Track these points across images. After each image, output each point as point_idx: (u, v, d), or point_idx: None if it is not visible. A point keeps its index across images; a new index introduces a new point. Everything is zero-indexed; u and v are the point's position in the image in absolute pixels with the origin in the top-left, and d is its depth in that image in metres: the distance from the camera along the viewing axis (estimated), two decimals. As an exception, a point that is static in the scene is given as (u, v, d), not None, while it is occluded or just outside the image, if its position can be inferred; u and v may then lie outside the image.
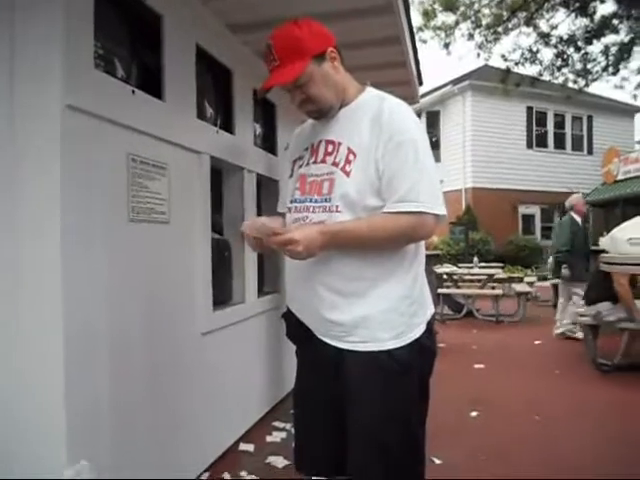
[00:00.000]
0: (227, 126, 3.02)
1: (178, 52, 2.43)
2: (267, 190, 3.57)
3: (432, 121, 17.92)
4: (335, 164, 1.47)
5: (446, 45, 13.56)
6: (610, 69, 13.08)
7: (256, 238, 1.48)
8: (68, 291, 1.71)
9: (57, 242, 1.70)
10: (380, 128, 1.42)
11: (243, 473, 2.65)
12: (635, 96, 14.24)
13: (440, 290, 7.85)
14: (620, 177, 13.56)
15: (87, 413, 1.81)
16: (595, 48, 13.45)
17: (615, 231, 5.10)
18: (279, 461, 2.77)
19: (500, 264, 11.15)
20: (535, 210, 17.66)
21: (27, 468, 1.70)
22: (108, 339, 1.93)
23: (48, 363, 1.70)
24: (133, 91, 2.07)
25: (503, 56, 13.14)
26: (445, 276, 8.74)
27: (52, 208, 1.70)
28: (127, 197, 2.03)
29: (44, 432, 1.71)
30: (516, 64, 13.11)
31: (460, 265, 10.58)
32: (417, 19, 13.05)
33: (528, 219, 17.64)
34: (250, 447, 2.97)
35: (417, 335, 1.48)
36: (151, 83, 2.28)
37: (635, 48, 12.70)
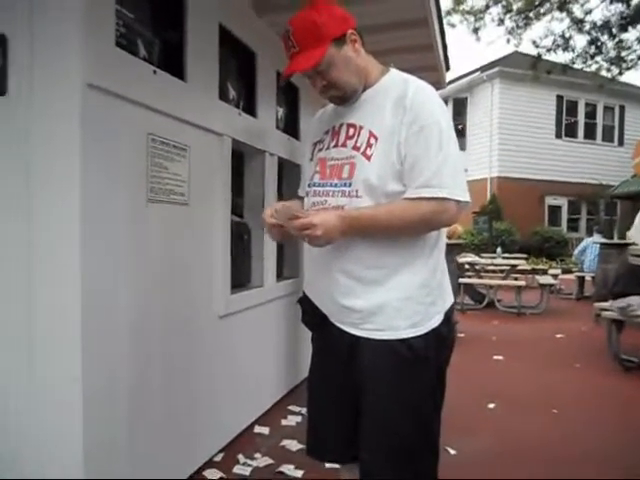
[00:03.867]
0: (249, 109, 3.00)
1: (201, 32, 2.40)
2: (289, 174, 3.55)
3: (459, 108, 17.64)
4: (356, 148, 1.43)
5: (475, 30, 13.31)
6: (646, 58, 12.70)
7: (275, 226, 1.45)
8: (86, 271, 1.72)
9: (76, 222, 1.70)
10: (404, 111, 1.38)
11: (257, 455, 2.67)
12: (671, 86, 13.75)
13: (461, 280, 7.77)
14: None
15: (104, 394, 1.83)
16: (630, 35, 13.10)
17: None
18: (293, 444, 2.78)
19: (524, 255, 11.02)
20: (562, 202, 17.34)
21: (44, 451, 1.73)
22: (126, 321, 1.94)
23: (65, 343, 1.72)
24: (155, 71, 2.06)
25: (534, 42, 12.85)
26: (467, 266, 8.66)
27: (71, 187, 1.69)
28: (146, 178, 2.03)
29: (60, 413, 1.73)
30: (548, 51, 12.82)
31: (483, 255, 10.47)
32: (446, 2, 12.82)
33: (555, 210, 17.34)
34: (265, 430, 2.99)
35: (435, 324, 1.45)
36: (173, 63, 2.26)
37: (672, 36, 12.30)
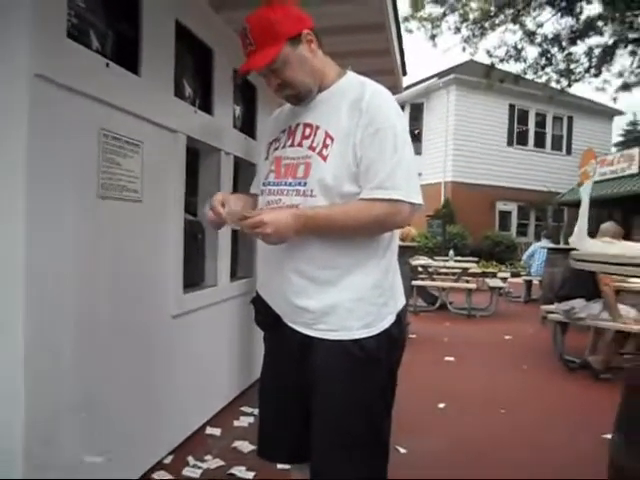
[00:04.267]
0: (206, 106, 2.96)
1: (157, 27, 2.36)
2: (244, 173, 3.52)
3: (415, 114, 17.97)
4: (312, 148, 1.44)
5: (432, 37, 13.54)
6: (592, 71, 13.23)
7: (217, 215, 1.46)
8: (32, 267, 1.66)
9: (22, 216, 1.64)
10: (360, 113, 1.39)
11: (208, 457, 2.63)
12: (615, 99, 14.37)
13: (414, 282, 7.90)
14: (596, 178, 13.76)
15: (50, 392, 1.77)
16: (579, 49, 13.63)
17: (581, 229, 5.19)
18: (245, 446, 2.76)
19: (475, 259, 11.29)
20: (512, 207, 17.89)
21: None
22: (74, 318, 1.88)
23: (8, 341, 1.65)
24: (107, 64, 2.01)
25: (488, 52, 13.19)
26: (420, 268, 8.81)
27: (18, 180, 1.63)
28: (97, 173, 1.98)
29: (2, 411, 1.66)
30: (501, 61, 13.19)
31: (436, 258, 10.67)
32: (404, 8, 13.00)
33: (505, 216, 17.87)
34: (217, 431, 2.95)
35: (386, 325, 1.47)
36: (127, 57, 2.21)
37: (618, 51, 12.86)
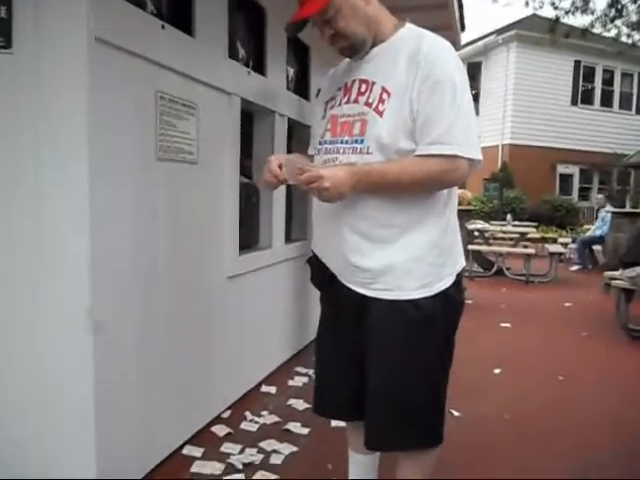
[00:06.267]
0: (259, 68, 2.94)
1: (210, -14, 2.34)
2: (298, 135, 3.50)
3: (473, 73, 17.25)
4: (368, 104, 1.40)
5: (493, -9, 12.88)
6: (668, 22, 12.30)
7: (276, 178, 1.44)
8: (95, 230, 1.71)
9: (84, 178, 1.68)
10: (417, 66, 1.34)
11: (264, 412, 2.71)
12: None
13: (470, 247, 7.74)
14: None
15: (114, 352, 1.85)
16: (653, -2, 12.62)
17: None
18: (299, 404, 2.82)
19: (534, 223, 10.93)
20: (574, 170, 17.10)
21: (53, 405, 1.75)
22: (135, 278, 1.95)
23: (73, 304, 1.71)
24: (163, 26, 2.01)
25: (553, 3, 12.46)
26: (477, 233, 8.62)
27: (79, 143, 1.67)
28: (155, 135, 2.00)
29: (71, 370, 1.74)
30: (566, 13, 12.44)
31: (492, 222, 10.40)
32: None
33: (566, 179, 17.13)
34: (272, 389, 3.03)
35: (445, 286, 1.45)
36: (182, 19, 2.21)
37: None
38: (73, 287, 1.72)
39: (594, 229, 9.62)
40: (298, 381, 3.20)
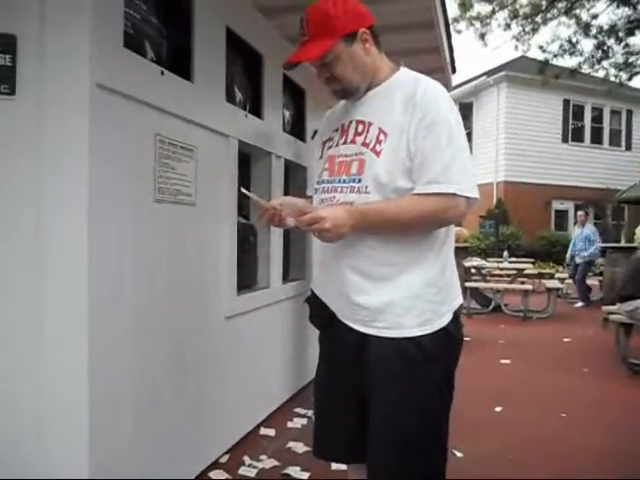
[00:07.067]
0: (256, 111, 3.00)
1: (208, 34, 2.41)
2: (295, 176, 3.55)
3: (465, 113, 17.58)
4: (365, 144, 1.43)
5: (482, 35, 13.32)
6: (653, 62, 12.65)
7: (275, 209, 1.47)
8: (93, 270, 1.72)
9: (84, 221, 1.70)
10: (414, 107, 1.38)
11: (263, 456, 2.66)
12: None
13: (468, 284, 7.74)
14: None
15: (111, 392, 1.83)
16: (638, 40, 13.02)
17: None
18: (299, 447, 2.77)
19: (531, 259, 10.96)
20: (569, 205, 17.25)
21: (48, 451, 1.73)
22: (133, 319, 1.94)
23: (72, 342, 1.71)
24: (162, 72, 2.07)
25: (541, 47, 12.84)
26: (473, 270, 8.64)
27: (80, 187, 1.70)
28: (154, 177, 2.04)
29: (68, 410, 1.73)
30: (554, 56, 12.79)
31: (489, 259, 10.43)
32: (453, 10, 12.83)
33: (561, 215, 17.26)
34: (271, 432, 2.98)
35: (444, 323, 1.44)
36: (181, 65, 2.27)
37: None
38: (72, 326, 1.71)
39: (574, 251, 9.28)
40: (297, 423, 3.14)
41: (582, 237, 9.22)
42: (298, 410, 3.33)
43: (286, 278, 3.50)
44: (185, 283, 2.28)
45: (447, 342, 1.45)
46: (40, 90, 1.71)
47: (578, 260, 9.11)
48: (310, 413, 3.17)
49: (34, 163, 1.72)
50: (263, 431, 2.98)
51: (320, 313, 1.57)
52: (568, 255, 9.58)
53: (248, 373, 2.85)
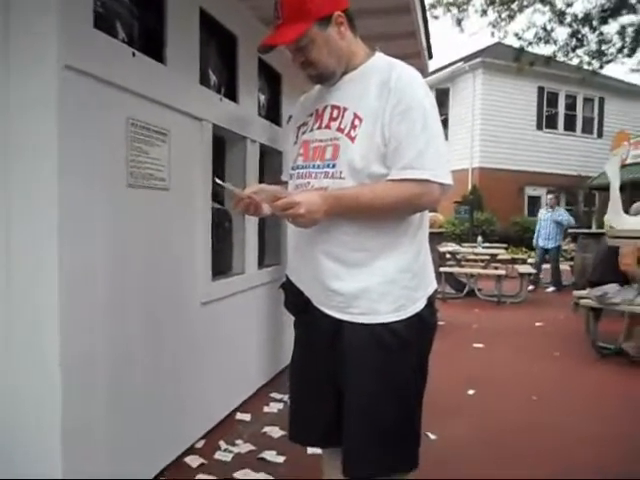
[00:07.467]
0: (231, 94, 2.96)
1: (181, 15, 2.37)
2: (270, 161, 3.52)
3: (441, 99, 17.64)
4: (340, 129, 1.42)
5: (459, 21, 13.33)
6: (626, 51, 12.83)
7: (251, 198, 1.45)
8: (64, 255, 1.69)
9: (54, 205, 1.67)
10: (389, 93, 1.37)
11: (239, 441, 2.67)
12: (651, 79, 13.97)
13: (442, 269, 7.83)
14: (629, 161, 13.38)
15: (83, 378, 1.81)
16: (611, 28, 13.20)
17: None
18: (275, 431, 2.78)
19: (504, 245, 11.12)
20: (542, 192, 17.47)
21: (21, 448, 1.71)
22: (106, 305, 1.92)
23: (43, 329, 1.69)
24: (134, 53, 2.02)
25: (517, 34, 12.91)
26: (448, 255, 8.73)
27: (49, 171, 1.66)
28: (126, 162, 2.00)
29: (39, 398, 1.71)
30: (530, 44, 12.88)
31: (464, 244, 10.55)
32: (430, -5, 12.80)
33: (534, 201, 17.51)
34: (247, 417, 2.99)
35: (418, 309, 1.45)
36: (153, 46, 2.22)
37: (653, 29, 12.44)
38: (43, 314, 1.68)
39: (540, 237, 9.13)
40: (273, 407, 3.16)
41: (551, 220, 9.04)
42: (274, 395, 3.34)
43: (262, 264, 3.49)
44: (159, 269, 2.25)
45: (421, 328, 1.46)
46: (5, 72, 1.67)
47: (550, 245, 9.01)
48: (286, 398, 3.18)
49: (2, 147, 1.67)
50: (239, 416, 2.99)
51: (295, 299, 1.57)
52: (535, 239, 9.33)
53: (224, 359, 2.85)
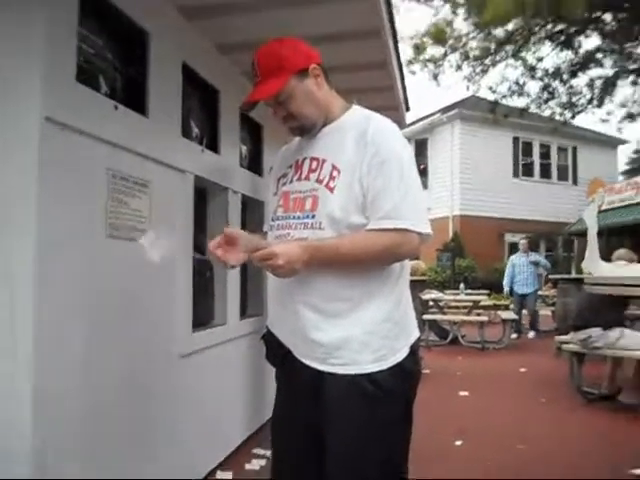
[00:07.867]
0: (213, 146, 3.00)
1: (164, 69, 2.41)
2: (252, 211, 3.54)
3: (420, 149, 18.10)
4: (319, 181, 1.44)
5: (435, 76, 13.84)
6: (595, 102, 13.40)
7: (228, 247, 1.43)
8: (40, 304, 1.66)
9: (31, 256, 1.64)
10: (365, 145, 1.40)
11: (219, 502, 2.56)
12: (620, 129, 14.64)
13: (425, 316, 7.82)
14: (605, 207, 13.72)
15: (57, 428, 1.74)
16: (581, 81, 13.79)
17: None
18: (257, 489, 2.68)
19: (486, 291, 11.17)
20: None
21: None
22: (82, 356, 1.87)
23: (15, 381, 1.63)
24: (116, 106, 2.04)
25: (491, 88, 13.46)
26: (431, 302, 8.73)
27: (28, 220, 1.65)
28: (105, 213, 1.99)
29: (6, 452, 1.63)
30: (503, 97, 13.41)
31: (446, 292, 10.58)
32: (407, 52, 13.32)
33: (514, 247, 17.68)
34: (228, 475, 2.87)
35: (400, 359, 1.44)
36: (135, 99, 2.25)
37: (619, 82, 13.04)
38: (16, 364, 1.64)
39: (516, 283, 9.03)
40: (256, 464, 3.05)
41: (527, 264, 8.99)
42: (257, 451, 3.23)
43: (244, 314, 3.45)
44: (139, 321, 2.21)
45: (404, 377, 1.44)
46: (-14, 123, 1.67)
47: (528, 290, 8.97)
48: (269, 453, 3.07)
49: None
50: (220, 475, 2.87)
51: (276, 350, 1.55)
52: (506, 285, 9.22)
53: (205, 413, 2.76)
